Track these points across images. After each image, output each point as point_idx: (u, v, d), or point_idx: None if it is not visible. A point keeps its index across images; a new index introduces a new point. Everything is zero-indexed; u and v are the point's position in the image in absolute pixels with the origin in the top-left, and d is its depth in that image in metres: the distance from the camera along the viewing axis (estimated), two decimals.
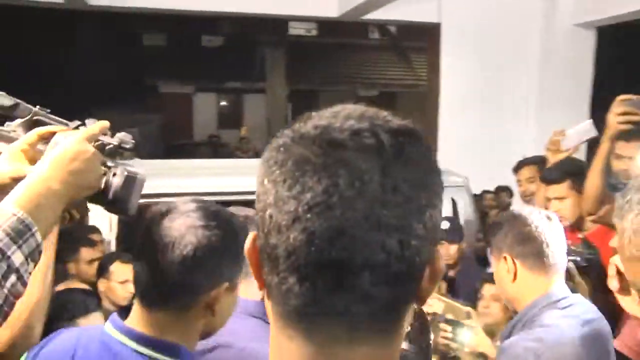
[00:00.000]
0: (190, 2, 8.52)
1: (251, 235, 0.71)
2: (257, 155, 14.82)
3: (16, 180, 1.19)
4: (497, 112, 8.86)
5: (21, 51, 17.57)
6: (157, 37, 22.55)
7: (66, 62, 18.88)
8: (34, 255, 1.07)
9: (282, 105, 15.52)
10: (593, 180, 3.05)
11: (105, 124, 1.35)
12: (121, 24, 19.25)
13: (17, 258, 1.02)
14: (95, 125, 1.33)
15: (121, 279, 3.38)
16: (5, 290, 1.00)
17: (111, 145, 1.29)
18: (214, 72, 19.69)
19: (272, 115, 15.38)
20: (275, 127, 15.31)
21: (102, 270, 3.46)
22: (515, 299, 2.07)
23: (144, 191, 1.34)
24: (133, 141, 1.28)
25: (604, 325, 1.96)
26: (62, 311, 2.32)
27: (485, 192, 7.52)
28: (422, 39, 10.80)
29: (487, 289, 3.14)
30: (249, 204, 4.83)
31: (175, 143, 15.95)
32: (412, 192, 0.63)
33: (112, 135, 1.34)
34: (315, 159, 0.63)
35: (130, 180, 1.28)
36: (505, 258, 2.03)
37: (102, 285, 3.45)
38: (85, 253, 3.61)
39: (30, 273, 1.06)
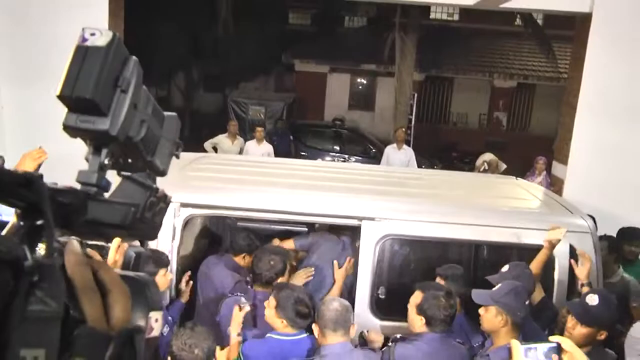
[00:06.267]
0: None
1: None
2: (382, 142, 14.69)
3: None
4: None
5: (175, 25, 18.86)
6: (303, 16, 23.52)
7: (217, 37, 20.00)
8: None
9: (409, 91, 15.24)
10: None
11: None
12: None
13: None
14: None
15: None
16: None
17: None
18: (351, 54, 19.92)
19: (398, 100, 15.13)
20: (401, 112, 15.06)
21: None
22: None
23: None
24: None
25: None
26: None
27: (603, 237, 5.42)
28: (569, 28, 10.07)
29: None
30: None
31: (299, 122, 16.18)
32: None
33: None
34: None
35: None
36: None
37: None
38: None
39: None
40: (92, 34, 0.84)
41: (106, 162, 0.88)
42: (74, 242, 0.82)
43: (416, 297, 3.44)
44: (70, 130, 0.84)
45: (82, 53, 0.82)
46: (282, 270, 4.08)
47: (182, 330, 3.06)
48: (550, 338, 1.80)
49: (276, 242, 5.17)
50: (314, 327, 3.38)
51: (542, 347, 1.74)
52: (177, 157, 1.06)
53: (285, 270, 4.12)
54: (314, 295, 4.35)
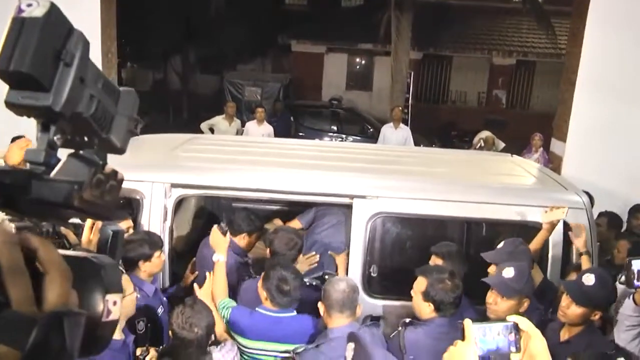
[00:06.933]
0: None
1: None
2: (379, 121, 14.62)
3: None
4: None
5: (169, 8, 18.79)
6: None
7: (213, 19, 19.90)
8: None
9: (405, 69, 15.10)
10: None
11: None
12: None
13: None
14: None
15: None
16: None
17: None
18: (348, 33, 19.77)
19: (395, 79, 15.02)
20: (397, 91, 14.97)
21: None
22: None
23: None
24: None
25: None
26: None
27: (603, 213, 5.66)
28: (569, 4, 9.94)
29: None
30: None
31: (297, 103, 16.08)
32: None
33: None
34: None
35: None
36: None
37: None
38: None
39: None
40: (29, 5, 0.81)
41: (55, 139, 0.86)
42: (5, 222, 0.81)
43: (420, 284, 3.33)
44: (13, 107, 0.82)
45: (19, 25, 0.79)
46: (301, 246, 4.19)
47: (183, 308, 3.09)
48: (507, 317, 1.67)
49: (278, 222, 5.18)
50: (320, 305, 3.35)
51: (497, 326, 1.64)
52: (136, 134, 1.03)
53: (302, 247, 4.22)
54: (322, 264, 4.47)
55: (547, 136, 9.83)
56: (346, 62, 21.64)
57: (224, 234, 3.85)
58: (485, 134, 11.04)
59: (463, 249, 4.11)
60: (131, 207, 4.72)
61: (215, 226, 3.90)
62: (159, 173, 4.38)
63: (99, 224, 2.49)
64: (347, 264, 4.30)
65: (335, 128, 15.02)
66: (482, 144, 10.64)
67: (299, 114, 15.01)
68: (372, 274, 4.20)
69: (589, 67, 8.14)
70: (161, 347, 3.34)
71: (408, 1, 14.83)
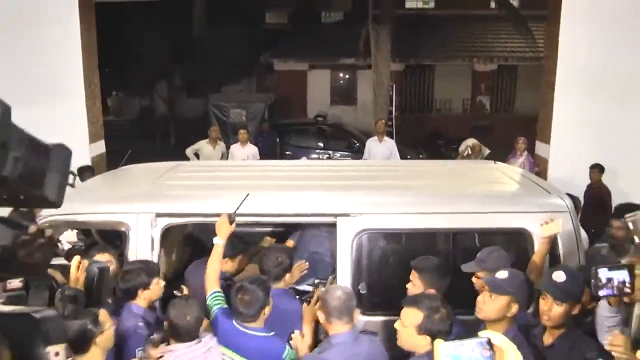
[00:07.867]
0: None
1: None
2: (364, 134, 14.65)
3: None
4: (622, 98, 7.93)
5: (152, 34, 18.93)
6: (280, 15, 23.70)
7: (195, 43, 20.03)
8: None
9: (387, 82, 15.17)
10: None
11: None
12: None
13: None
14: None
15: None
16: None
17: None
18: (329, 49, 19.92)
19: (377, 93, 15.10)
20: (380, 105, 15.04)
21: None
22: None
23: None
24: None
25: None
26: None
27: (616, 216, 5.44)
28: (546, 7, 10.06)
29: None
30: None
31: (282, 122, 16.13)
32: None
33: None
34: None
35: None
36: None
37: None
38: None
39: None
40: None
41: None
42: None
43: (413, 316, 3.10)
44: None
45: None
46: (289, 266, 4.17)
47: (178, 301, 3.46)
48: (480, 333, 1.61)
49: (270, 240, 5.25)
50: (319, 314, 3.49)
51: (470, 343, 1.58)
52: (72, 186, 1.05)
53: (291, 266, 4.21)
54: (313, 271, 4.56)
55: (533, 139, 9.89)
56: (329, 78, 21.77)
57: (231, 222, 3.95)
58: (471, 141, 11.08)
59: (450, 261, 4.11)
60: (119, 238, 4.70)
61: (224, 213, 3.99)
62: (144, 204, 4.37)
63: (85, 262, 2.54)
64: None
65: (321, 145, 15.05)
66: (469, 152, 10.68)
67: (284, 132, 15.04)
68: (361, 291, 4.20)
69: (566, 69, 8.25)
70: None
71: (385, 14, 14.95)
